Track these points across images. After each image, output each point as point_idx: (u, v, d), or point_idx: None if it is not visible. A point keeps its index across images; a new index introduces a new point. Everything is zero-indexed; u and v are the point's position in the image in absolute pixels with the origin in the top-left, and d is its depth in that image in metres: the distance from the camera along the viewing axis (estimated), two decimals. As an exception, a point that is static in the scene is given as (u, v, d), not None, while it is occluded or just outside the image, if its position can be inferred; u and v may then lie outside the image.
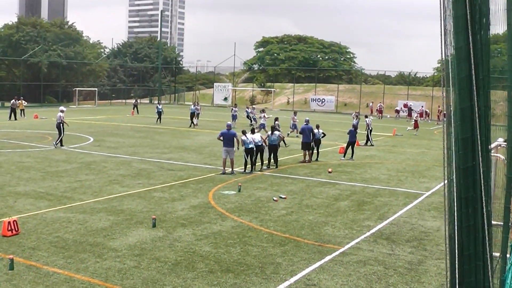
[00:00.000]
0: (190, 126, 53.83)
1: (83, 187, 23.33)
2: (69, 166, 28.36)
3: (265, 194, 23.07)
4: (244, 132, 28.91)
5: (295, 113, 50.65)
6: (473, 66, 5.48)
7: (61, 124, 35.83)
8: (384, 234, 17.77)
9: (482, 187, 5.38)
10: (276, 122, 36.84)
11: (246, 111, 57.31)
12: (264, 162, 29.67)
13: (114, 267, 13.61)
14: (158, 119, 57.58)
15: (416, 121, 57.33)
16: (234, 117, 55.99)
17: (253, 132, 29.60)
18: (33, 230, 16.62)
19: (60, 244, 15.32)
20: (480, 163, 5.41)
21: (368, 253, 15.66)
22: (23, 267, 13.41)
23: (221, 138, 27.70)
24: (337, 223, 18.80)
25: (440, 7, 5.69)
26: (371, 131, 43.66)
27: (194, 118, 55.47)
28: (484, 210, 5.36)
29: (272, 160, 30.13)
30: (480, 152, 5.47)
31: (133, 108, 71.60)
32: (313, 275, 13.67)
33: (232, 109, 60.08)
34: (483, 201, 5.39)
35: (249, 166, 28.45)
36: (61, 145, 35.60)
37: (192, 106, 57.57)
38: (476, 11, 5.66)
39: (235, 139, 27.91)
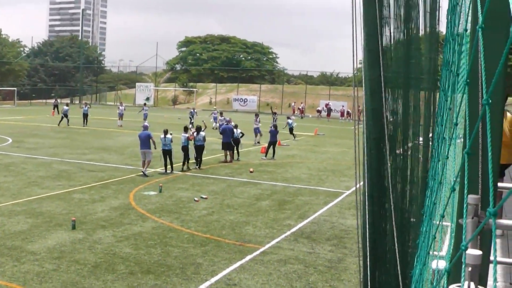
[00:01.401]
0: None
1: (1, 189, 22.87)
2: (-14, 167, 27.79)
3: (186, 195, 23.05)
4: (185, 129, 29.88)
5: (221, 113, 51.82)
6: (381, 68, 5.60)
7: None
8: (305, 233, 17.96)
9: (390, 186, 5.50)
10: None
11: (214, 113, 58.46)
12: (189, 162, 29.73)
13: (32, 270, 13.40)
14: (85, 121, 55.12)
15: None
16: (145, 116, 57.00)
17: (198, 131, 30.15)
18: None
19: (-24, 248, 15.04)
20: (389, 162, 5.54)
21: (289, 252, 15.81)
22: None
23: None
24: (258, 223, 18.91)
25: (353, 11, 5.80)
26: (292, 129, 44.83)
27: (118, 120, 55.49)
28: (392, 208, 5.48)
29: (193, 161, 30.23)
30: (388, 152, 5.59)
31: (54, 109, 70.34)
32: (233, 274, 13.73)
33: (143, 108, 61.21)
34: (391, 199, 5.52)
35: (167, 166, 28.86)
36: None
37: (85, 106, 57.14)
38: (387, 14, 5.78)
39: (150, 139, 27.74)
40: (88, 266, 13.93)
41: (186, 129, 30.33)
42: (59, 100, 76.28)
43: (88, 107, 55.87)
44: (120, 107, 58.30)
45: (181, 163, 29.38)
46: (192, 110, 59.61)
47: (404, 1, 6.04)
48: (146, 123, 28.87)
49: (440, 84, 6.25)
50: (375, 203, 5.84)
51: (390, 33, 5.80)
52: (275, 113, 53.05)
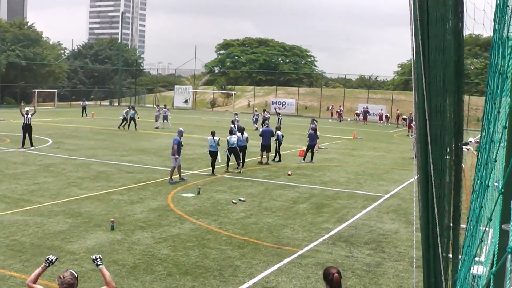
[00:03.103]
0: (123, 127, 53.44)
1: (41, 189, 23.11)
2: (27, 168, 28.07)
3: (224, 197, 23.07)
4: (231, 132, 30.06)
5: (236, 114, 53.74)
6: (423, 70, 5.53)
7: (27, 126, 35.66)
8: (343, 236, 17.87)
9: (434, 188, 5.43)
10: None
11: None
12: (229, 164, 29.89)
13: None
14: (133, 125, 53.79)
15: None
16: (165, 118, 56.43)
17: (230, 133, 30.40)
18: (-11, 233, 16.45)
19: (17, 248, 15.17)
20: (431, 164, 5.47)
21: (327, 255, 15.74)
22: (-21, 270, 13.26)
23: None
24: (295, 226, 18.86)
25: (410, 11, 5.74)
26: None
27: (156, 122, 55.37)
28: (436, 211, 5.41)
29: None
30: (431, 153, 5.52)
31: (83, 110, 70.55)
32: (271, 277, 13.70)
33: (162, 109, 58.93)
34: (434, 201, 5.44)
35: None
36: (22, 146, 35.27)
37: (130, 110, 56.34)
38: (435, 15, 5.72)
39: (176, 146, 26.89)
40: (127, 267, 14.00)
41: (230, 132, 30.60)
42: (92, 102, 76.48)
43: (134, 112, 55.41)
44: (157, 109, 58.19)
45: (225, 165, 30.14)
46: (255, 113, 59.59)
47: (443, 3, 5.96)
48: (180, 128, 28.63)
49: (486, 88, 6.15)
50: (424, 206, 5.78)
51: (436, 35, 5.72)
52: (279, 114, 53.82)
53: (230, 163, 29.97)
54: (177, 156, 26.22)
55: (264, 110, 59.33)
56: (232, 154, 30.05)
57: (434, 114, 5.56)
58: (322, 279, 8.32)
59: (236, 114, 54.66)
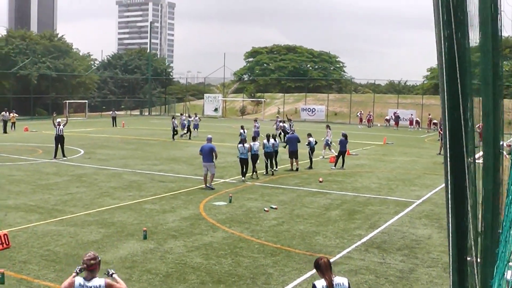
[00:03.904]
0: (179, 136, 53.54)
1: (74, 199, 23.29)
2: (59, 179, 28.31)
3: (256, 205, 23.06)
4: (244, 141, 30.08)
5: (289, 120, 54.92)
6: (458, 73, 5.50)
7: (60, 137, 36.02)
8: (375, 243, 17.78)
9: (469, 193, 5.40)
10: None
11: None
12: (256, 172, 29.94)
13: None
14: (188, 133, 54.35)
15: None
16: (183, 126, 56.06)
17: (254, 140, 31.14)
18: (24, 244, 16.58)
19: (51, 257, 15.29)
20: (466, 169, 5.44)
21: (359, 262, 15.67)
22: (14, 280, 13.38)
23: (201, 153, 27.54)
24: (328, 233, 18.80)
25: (434, 14, 5.72)
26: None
27: (181, 130, 55.42)
28: (470, 215, 5.38)
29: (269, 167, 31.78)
30: (466, 159, 5.49)
31: (113, 120, 71.05)
32: (304, 285, 13.66)
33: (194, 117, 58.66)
34: (468, 207, 5.41)
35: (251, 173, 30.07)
36: (55, 157, 35.60)
37: (183, 117, 56.28)
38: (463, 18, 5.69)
39: (213, 153, 27.08)
40: (160, 275, 14.04)
41: (268, 137, 31.57)
42: (123, 112, 76.85)
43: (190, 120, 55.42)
44: (182, 118, 58.05)
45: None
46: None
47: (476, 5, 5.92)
48: (209, 136, 28.79)
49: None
50: (454, 210, 5.74)
51: (466, 37, 5.69)
52: (291, 120, 53.98)
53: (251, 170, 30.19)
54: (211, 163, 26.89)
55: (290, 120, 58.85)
56: (268, 158, 31.39)
57: (469, 117, 5.53)
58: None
59: (255, 120, 54.77)
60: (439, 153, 42.90)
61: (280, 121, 57.09)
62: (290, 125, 51.27)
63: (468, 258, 5.74)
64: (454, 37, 5.46)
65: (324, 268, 8.63)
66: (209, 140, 27.81)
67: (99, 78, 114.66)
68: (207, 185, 26.74)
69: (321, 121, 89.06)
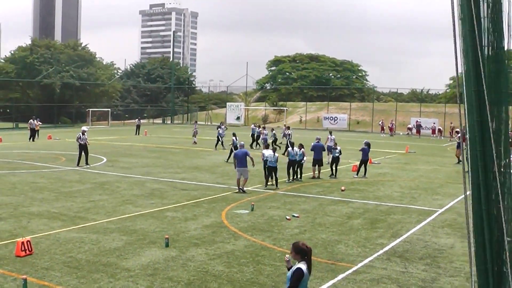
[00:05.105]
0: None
1: (96, 207, 23.37)
2: (82, 186, 28.44)
3: (278, 213, 23.03)
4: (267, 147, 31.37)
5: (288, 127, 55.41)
6: (483, 81, 5.47)
7: (84, 145, 36.34)
8: (397, 252, 17.69)
9: (501, 202, 5.36)
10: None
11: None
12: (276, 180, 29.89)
13: (127, 287, 13.59)
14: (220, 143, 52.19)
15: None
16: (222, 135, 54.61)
17: (266, 147, 31.74)
18: (47, 250, 16.65)
19: (73, 264, 15.34)
20: (496, 177, 5.40)
21: (382, 271, 15.60)
22: (37, 287, 13.43)
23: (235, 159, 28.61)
24: (350, 241, 18.74)
25: (453, 24, 5.70)
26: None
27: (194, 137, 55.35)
28: (503, 222, 5.34)
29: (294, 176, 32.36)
30: (492, 167, 5.45)
31: (137, 129, 71.32)
32: (326, 293, 13.62)
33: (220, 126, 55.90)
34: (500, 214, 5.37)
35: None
36: (78, 165, 35.86)
37: (222, 127, 54.68)
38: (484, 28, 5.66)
39: (248, 157, 28.35)
40: (181, 283, 14.04)
41: (292, 145, 32.52)
42: (145, 120, 76.99)
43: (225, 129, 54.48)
44: (195, 126, 57.84)
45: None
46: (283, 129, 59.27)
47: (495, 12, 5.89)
48: (242, 142, 29.41)
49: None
50: (479, 219, 5.71)
51: (489, 45, 5.67)
52: (289, 127, 53.83)
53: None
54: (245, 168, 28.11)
55: (285, 126, 57.79)
56: (291, 167, 31.90)
57: (491, 124, 5.49)
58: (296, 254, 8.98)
59: (264, 128, 54.63)
60: (458, 162, 42.71)
61: (287, 128, 56.36)
62: (288, 134, 50.13)
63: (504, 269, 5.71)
64: (491, 45, 5.44)
65: (309, 254, 9.12)
66: (242, 146, 29.32)
67: (122, 87, 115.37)
68: (240, 187, 27.78)
69: (343, 129, 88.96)
